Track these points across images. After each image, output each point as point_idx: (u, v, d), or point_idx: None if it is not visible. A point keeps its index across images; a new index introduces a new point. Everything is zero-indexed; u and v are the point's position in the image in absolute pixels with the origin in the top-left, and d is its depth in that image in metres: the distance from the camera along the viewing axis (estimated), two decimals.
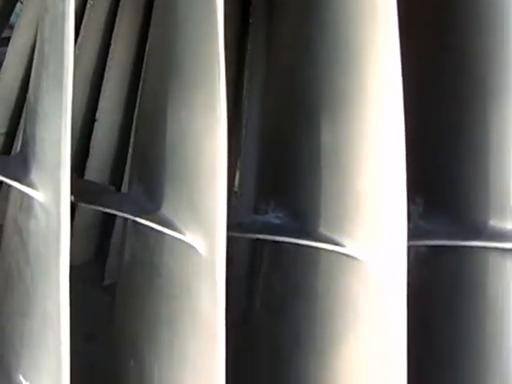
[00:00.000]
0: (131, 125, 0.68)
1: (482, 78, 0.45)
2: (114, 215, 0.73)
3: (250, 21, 0.65)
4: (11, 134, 0.80)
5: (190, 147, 0.42)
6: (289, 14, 0.49)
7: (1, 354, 0.56)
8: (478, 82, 0.45)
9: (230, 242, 0.44)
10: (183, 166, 0.43)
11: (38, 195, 0.44)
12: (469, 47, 0.46)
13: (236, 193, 0.63)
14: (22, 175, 0.46)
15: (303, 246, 0.44)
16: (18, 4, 0.86)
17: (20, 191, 0.47)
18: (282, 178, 0.46)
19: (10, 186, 0.52)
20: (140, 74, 0.59)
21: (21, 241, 0.49)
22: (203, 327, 0.45)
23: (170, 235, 0.43)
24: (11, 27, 0.88)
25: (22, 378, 0.55)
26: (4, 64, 0.82)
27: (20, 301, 0.52)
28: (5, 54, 0.85)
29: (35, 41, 0.78)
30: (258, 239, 0.50)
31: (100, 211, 0.79)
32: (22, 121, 0.67)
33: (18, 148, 0.51)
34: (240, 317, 0.51)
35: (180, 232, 0.42)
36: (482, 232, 0.44)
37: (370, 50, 0.39)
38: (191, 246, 0.42)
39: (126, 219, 0.50)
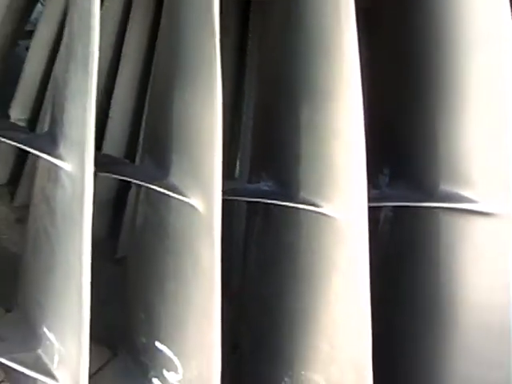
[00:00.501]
0: (142, 107, 0.77)
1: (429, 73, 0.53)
2: (126, 193, 0.80)
3: (250, 28, 0.73)
4: (32, 120, 0.88)
5: (192, 124, 0.50)
6: (274, 23, 0.57)
7: (26, 308, 0.64)
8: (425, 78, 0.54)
9: (229, 207, 0.51)
10: (186, 140, 0.51)
11: (66, 166, 0.52)
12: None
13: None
14: (51, 150, 0.54)
15: (288, 208, 0.51)
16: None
17: (49, 164, 0.55)
18: (270, 152, 0.54)
19: (36, 161, 0.61)
20: (150, 63, 0.67)
21: (48, 208, 0.57)
22: (204, 279, 0.53)
23: (175, 199, 0.51)
24: (33, 23, 0.96)
25: (45, 329, 0.63)
26: (27, 57, 0.90)
27: (46, 259, 0.60)
28: (27, 47, 0.93)
29: (56, 35, 0.86)
30: (252, 207, 0.57)
31: (113, 191, 0.87)
32: (46, 105, 0.74)
33: (46, 128, 0.59)
34: (237, 271, 0.59)
35: (184, 195, 0.50)
36: (433, 194, 0.52)
37: (336, 49, 0.47)
38: (193, 207, 0.50)
39: (138, 190, 0.57)
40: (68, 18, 0.54)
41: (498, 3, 0.51)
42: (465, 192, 0.52)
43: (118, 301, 0.67)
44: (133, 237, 0.63)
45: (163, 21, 0.58)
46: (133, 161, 0.74)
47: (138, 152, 0.70)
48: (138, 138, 0.74)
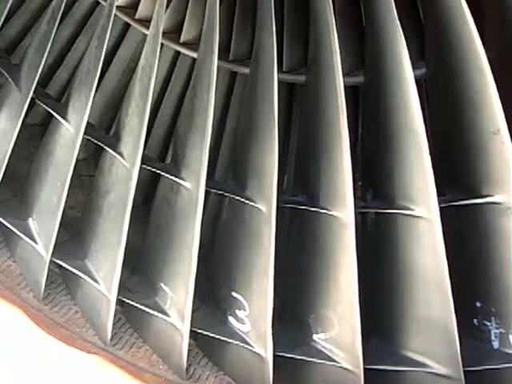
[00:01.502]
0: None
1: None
2: None
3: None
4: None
5: (261, 150, 0.79)
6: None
7: (147, 271, 0.93)
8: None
9: None
10: (255, 161, 0.80)
11: (187, 184, 0.84)
12: None
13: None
14: (176, 173, 0.85)
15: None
16: None
17: (173, 182, 0.88)
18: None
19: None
20: None
21: (170, 208, 0.87)
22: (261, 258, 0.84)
23: (248, 204, 0.82)
24: None
25: (162, 285, 0.90)
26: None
27: (166, 240, 0.88)
28: None
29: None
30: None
31: None
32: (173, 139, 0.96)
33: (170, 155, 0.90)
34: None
35: (254, 202, 0.82)
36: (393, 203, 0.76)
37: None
38: (259, 209, 0.83)
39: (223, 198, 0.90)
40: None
41: None
42: None
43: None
44: (215, 235, 0.92)
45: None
46: None
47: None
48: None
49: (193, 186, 0.82)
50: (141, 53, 0.86)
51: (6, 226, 1.00)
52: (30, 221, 0.99)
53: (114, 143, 0.86)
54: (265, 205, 0.80)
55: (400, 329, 0.80)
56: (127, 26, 1.03)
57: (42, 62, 0.84)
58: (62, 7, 0.81)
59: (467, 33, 0.68)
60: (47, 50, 0.83)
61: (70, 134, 0.87)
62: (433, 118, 0.76)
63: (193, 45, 0.89)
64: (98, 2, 0.90)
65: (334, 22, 0.73)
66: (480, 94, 0.70)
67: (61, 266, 0.98)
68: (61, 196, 0.89)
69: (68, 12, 0.95)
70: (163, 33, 0.80)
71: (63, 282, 1.02)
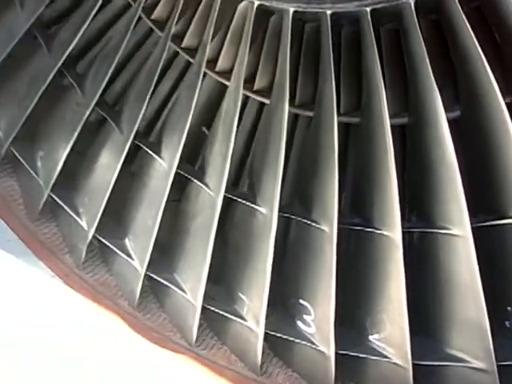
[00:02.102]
0: None
1: None
2: None
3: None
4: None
5: (324, 180, 0.93)
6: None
7: (228, 282, 1.08)
8: None
9: None
10: (319, 189, 0.93)
11: (261, 209, 0.99)
12: None
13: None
14: (252, 198, 1.00)
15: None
16: None
17: (250, 208, 1.03)
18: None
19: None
20: None
21: (247, 229, 1.01)
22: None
23: (313, 225, 0.99)
24: None
25: (240, 294, 1.06)
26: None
27: (243, 255, 1.09)
28: None
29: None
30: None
31: None
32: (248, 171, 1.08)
33: (246, 185, 1.04)
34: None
35: (319, 224, 0.99)
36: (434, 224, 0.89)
37: None
38: (323, 230, 0.99)
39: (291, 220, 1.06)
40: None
41: None
42: None
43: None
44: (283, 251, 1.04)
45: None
46: None
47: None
48: None
49: (267, 211, 0.98)
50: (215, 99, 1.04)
51: (105, 245, 1.18)
52: (127, 240, 1.17)
53: (200, 176, 1.04)
54: (328, 226, 0.95)
55: (443, 329, 0.95)
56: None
57: (142, 111, 1.02)
58: (160, 65, 0.99)
59: (486, 80, 0.84)
60: (146, 102, 1.01)
61: (163, 168, 1.05)
62: (465, 151, 0.91)
63: (263, 92, 1.05)
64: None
65: (381, 76, 0.89)
66: (501, 133, 0.85)
67: (152, 278, 1.15)
68: (155, 220, 1.07)
69: (167, 69, 1.13)
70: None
71: (153, 292, 1.19)
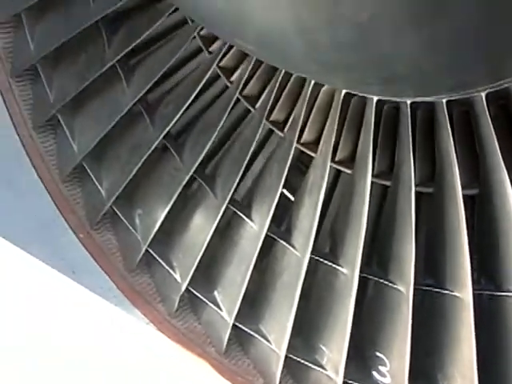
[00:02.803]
0: None
1: None
2: None
3: None
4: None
5: (401, 244, 1.07)
6: None
7: (309, 334, 1.20)
8: None
9: None
10: (396, 252, 1.04)
11: (343, 270, 1.14)
12: None
13: None
14: (334, 259, 1.13)
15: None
16: None
17: (330, 267, 1.16)
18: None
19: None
20: None
21: (329, 287, 1.16)
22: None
23: (391, 286, 1.11)
24: None
25: (321, 345, 1.18)
26: None
27: (324, 310, 1.21)
28: None
29: None
30: None
31: None
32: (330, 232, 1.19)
33: (328, 246, 1.20)
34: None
35: (395, 284, 1.11)
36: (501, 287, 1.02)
37: None
38: (399, 290, 1.10)
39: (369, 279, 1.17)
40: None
41: None
42: None
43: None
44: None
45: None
46: None
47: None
48: None
49: (349, 271, 1.09)
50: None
51: (195, 295, 1.31)
52: (216, 292, 1.29)
53: (287, 237, 1.16)
54: (404, 286, 1.05)
55: (509, 381, 1.04)
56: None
57: (237, 181, 1.15)
58: (256, 141, 1.12)
59: None
60: (241, 173, 1.14)
61: (253, 230, 1.18)
62: None
63: (344, 162, 1.17)
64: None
65: (454, 154, 1.00)
66: None
67: (238, 328, 1.27)
68: (245, 276, 1.19)
69: (263, 148, 1.26)
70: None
71: (238, 340, 1.31)
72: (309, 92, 1.05)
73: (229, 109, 1.13)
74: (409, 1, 0.60)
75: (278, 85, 1.08)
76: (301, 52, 0.73)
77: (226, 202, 1.16)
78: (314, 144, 1.17)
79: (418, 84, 0.81)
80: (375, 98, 0.99)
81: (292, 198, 1.23)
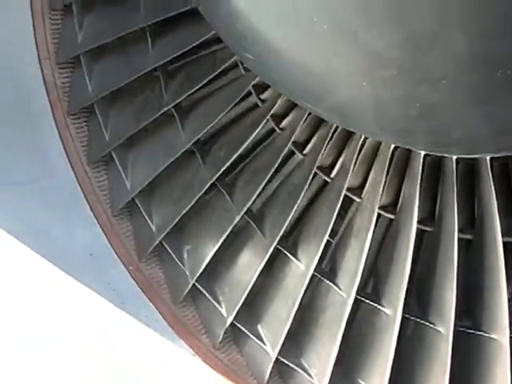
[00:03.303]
0: None
1: None
2: None
3: None
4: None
5: (443, 288, 1.16)
6: None
7: (348, 367, 1.28)
8: None
9: None
10: (437, 295, 1.17)
11: (385, 310, 1.21)
12: None
13: None
14: (377, 299, 1.23)
15: None
16: None
17: (373, 307, 1.23)
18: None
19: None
20: None
21: (370, 324, 1.24)
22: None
23: (430, 327, 1.18)
24: None
25: (360, 380, 1.25)
26: None
27: (365, 345, 1.27)
28: None
29: None
30: None
31: None
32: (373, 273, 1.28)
33: (370, 286, 1.28)
34: None
35: (435, 325, 1.17)
36: None
37: None
38: (439, 331, 1.17)
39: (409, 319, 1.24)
40: None
41: None
42: None
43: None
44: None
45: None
46: None
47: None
48: None
49: (391, 312, 1.16)
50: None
51: (238, 328, 1.38)
52: (259, 327, 1.36)
53: (332, 277, 1.23)
54: (443, 327, 1.13)
55: None
56: None
57: (286, 223, 1.23)
58: (306, 187, 1.20)
59: None
60: (291, 216, 1.22)
61: (299, 269, 1.25)
62: None
63: (387, 207, 1.24)
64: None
65: (495, 204, 1.07)
66: None
67: (279, 360, 1.33)
68: (289, 313, 1.26)
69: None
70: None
71: (279, 372, 1.38)
72: (359, 145, 1.12)
73: (282, 155, 1.21)
74: (473, 86, 0.69)
75: (330, 135, 1.15)
76: (371, 121, 0.82)
77: (275, 243, 1.23)
78: (358, 189, 1.24)
79: (470, 147, 0.89)
80: (423, 153, 1.06)
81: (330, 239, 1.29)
